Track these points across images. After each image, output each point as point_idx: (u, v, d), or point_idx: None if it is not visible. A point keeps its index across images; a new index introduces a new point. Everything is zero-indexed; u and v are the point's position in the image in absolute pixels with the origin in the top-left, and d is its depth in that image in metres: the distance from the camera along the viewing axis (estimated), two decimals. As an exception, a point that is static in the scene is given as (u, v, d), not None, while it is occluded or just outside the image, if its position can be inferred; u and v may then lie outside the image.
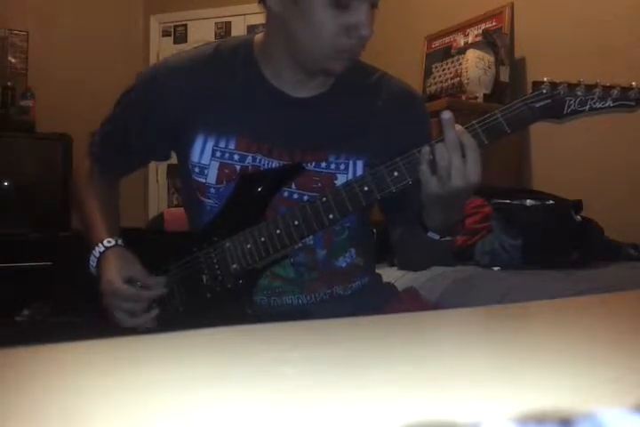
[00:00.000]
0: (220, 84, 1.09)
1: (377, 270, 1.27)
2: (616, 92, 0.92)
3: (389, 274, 1.54)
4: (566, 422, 0.22)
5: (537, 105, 0.93)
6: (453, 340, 0.50)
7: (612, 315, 0.60)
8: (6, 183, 3.44)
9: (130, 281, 1.02)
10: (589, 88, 0.92)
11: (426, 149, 0.92)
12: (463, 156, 0.89)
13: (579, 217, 1.88)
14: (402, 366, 0.40)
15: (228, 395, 0.33)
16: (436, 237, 1.00)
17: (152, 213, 4.02)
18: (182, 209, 1.26)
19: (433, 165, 0.91)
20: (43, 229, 3.29)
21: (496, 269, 1.83)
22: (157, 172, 4.19)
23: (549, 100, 0.93)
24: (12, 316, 1.14)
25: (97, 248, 1.05)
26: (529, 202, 1.88)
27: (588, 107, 0.93)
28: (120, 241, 1.06)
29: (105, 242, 1.05)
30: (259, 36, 1.11)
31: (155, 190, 4.26)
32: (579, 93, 0.92)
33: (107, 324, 1.03)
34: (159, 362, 0.42)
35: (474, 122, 0.92)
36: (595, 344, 0.46)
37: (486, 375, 0.37)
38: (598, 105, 0.92)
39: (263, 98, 1.08)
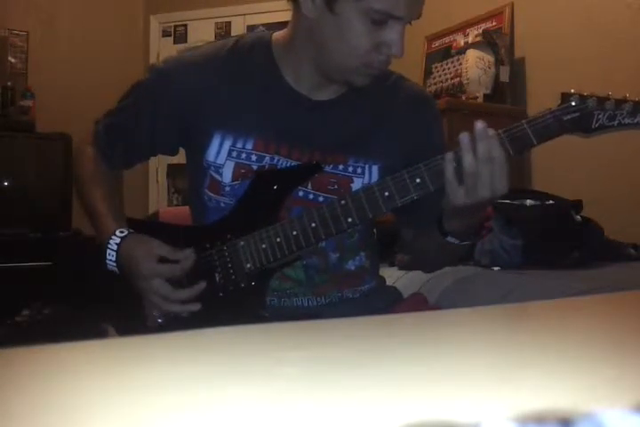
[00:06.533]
0: (238, 83, 1.08)
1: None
2: None
3: (390, 274, 1.54)
4: (566, 422, 0.22)
5: (565, 118, 0.91)
6: (453, 340, 0.50)
7: (612, 315, 0.60)
8: (6, 183, 3.43)
9: (162, 261, 1.01)
10: (619, 103, 0.91)
11: (450, 155, 0.91)
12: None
13: (579, 217, 1.88)
14: (402, 366, 0.40)
15: (229, 395, 0.33)
16: (456, 241, 1.01)
17: (152, 212, 4.02)
18: (179, 208, 1.25)
19: (459, 174, 0.90)
20: (43, 229, 3.29)
21: (496, 269, 1.83)
22: (157, 172, 4.19)
23: (578, 114, 0.91)
24: (12, 316, 1.13)
25: (112, 240, 1.02)
26: (529, 202, 1.88)
27: (616, 122, 0.91)
28: (130, 229, 1.05)
29: (118, 233, 1.03)
30: (277, 36, 1.10)
31: (155, 190, 4.25)
32: (608, 107, 0.91)
33: (105, 322, 1.03)
34: (159, 362, 0.42)
35: (500, 131, 0.91)
36: (595, 344, 0.46)
37: (486, 375, 0.37)
38: (627, 121, 0.90)
39: (281, 99, 1.08)
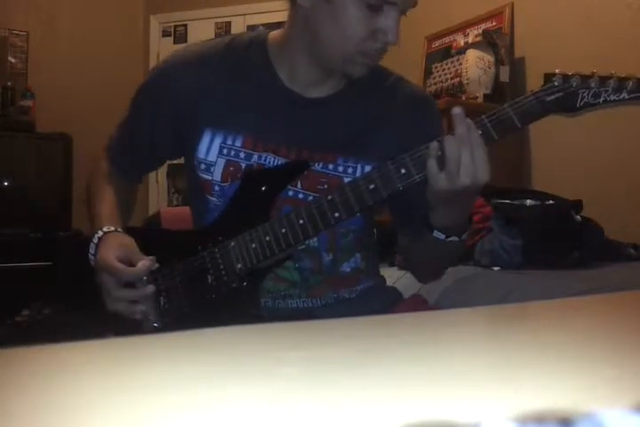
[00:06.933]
0: (232, 81, 1.08)
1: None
2: (631, 83, 0.88)
3: (390, 274, 1.54)
4: (566, 422, 0.22)
5: (548, 99, 0.90)
6: (453, 340, 0.50)
7: (612, 315, 0.60)
8: (6, 183, 3.44)
9: (122, 261, 0.99)
10: (603, 80, 0.89)
11: (434, 144, 0.90)
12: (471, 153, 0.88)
13: (579, 217, 1.88)
14: (402, 366, 0.40)
15: (228, 395, 0.33)
16: (442, 236, 0.99)
17: (152, 213, 4.02)
18: (180, 208, 1.25)
19: (441, 160, 0.89)
20: (43, 229, 3.29)
21: (496, 269, 1.83)
22: (157, 172, 4.18)
23: (561, 93, 0.90)
24: (12, 316, 1.13)
25: (95, 235, 1.03)
26: (529, 202, 1.88)
27: (602, 99, 0.89)
28: (120, 229, 1.04)
29: (104, 228, 1.03)
30: (274, 34, 1.10)
31: (155, 190, 4.25)
32: (592, 85, 0.89)
33: (106, 323, 1.02)
34: (159, 362, 0.42)
35: (483, 117, 0.91)
36: (595, 344, 0.46)
37: (486, 375, 0.37)
38: (613, 97, 0.89)
39: (274, 97, 1.08)
